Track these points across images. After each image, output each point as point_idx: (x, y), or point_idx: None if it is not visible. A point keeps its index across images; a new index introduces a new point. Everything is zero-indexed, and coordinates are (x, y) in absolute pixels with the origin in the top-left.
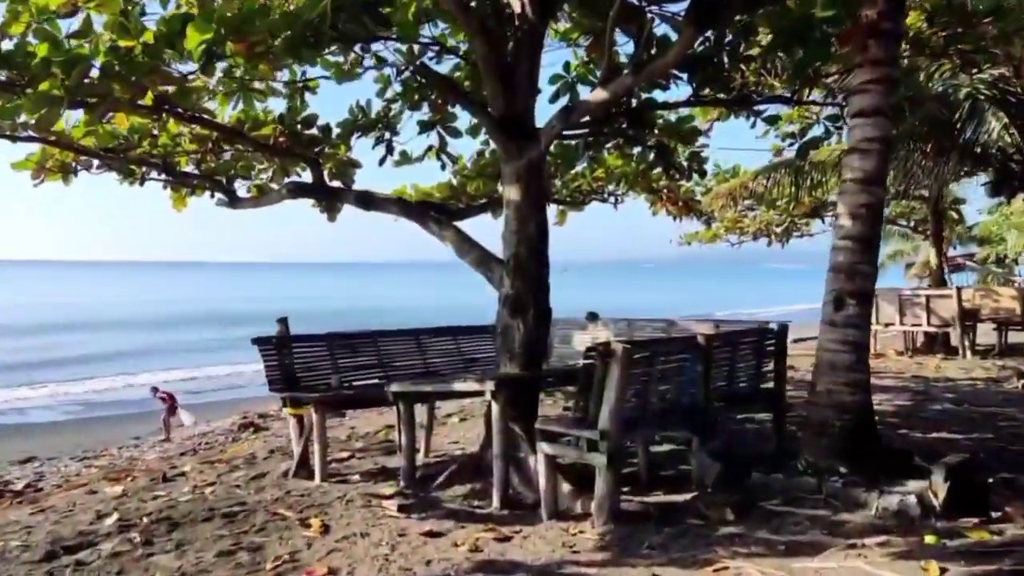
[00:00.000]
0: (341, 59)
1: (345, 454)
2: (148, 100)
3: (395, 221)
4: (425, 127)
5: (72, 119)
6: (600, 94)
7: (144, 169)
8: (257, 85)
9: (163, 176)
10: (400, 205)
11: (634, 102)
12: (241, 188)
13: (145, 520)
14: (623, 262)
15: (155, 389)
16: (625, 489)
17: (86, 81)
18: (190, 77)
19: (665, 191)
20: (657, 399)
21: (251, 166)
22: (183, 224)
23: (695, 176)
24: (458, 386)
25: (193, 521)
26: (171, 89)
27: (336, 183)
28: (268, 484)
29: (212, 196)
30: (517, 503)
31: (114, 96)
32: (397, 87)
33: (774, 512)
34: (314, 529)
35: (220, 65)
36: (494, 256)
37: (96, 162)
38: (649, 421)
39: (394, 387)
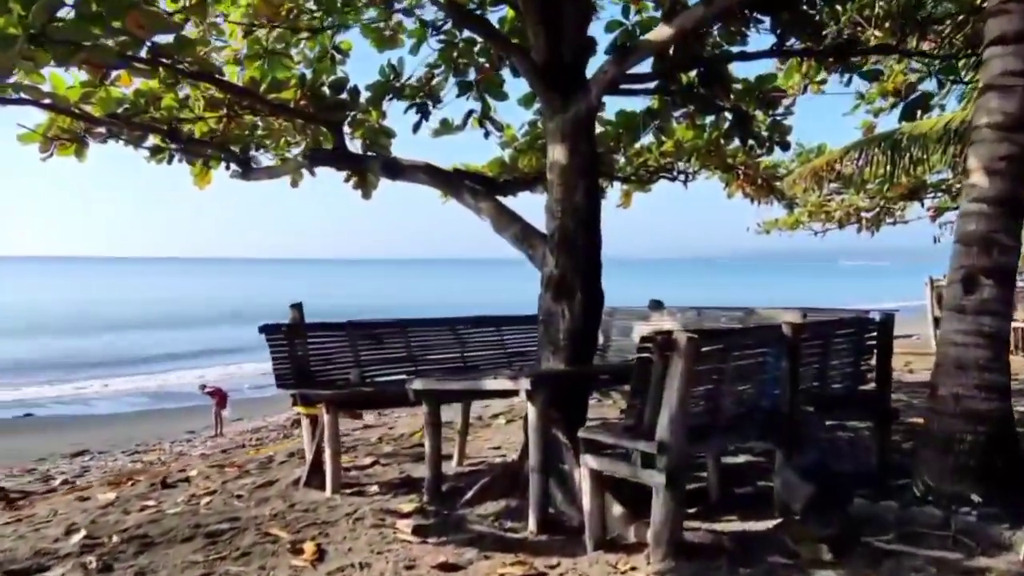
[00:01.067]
0: (381, 24)
1: (368, 460)
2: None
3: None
4: (465, 88)
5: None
6: (663, 31)
7: (170, 144)
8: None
9: (170, 144)
10: (430, 173)
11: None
12: (263, 160)
13: (115, 538)
14: (694, 258)
15: (203, 386)
16: (691, 510)
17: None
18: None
19: (742, 168)
20: (731, 402)
21: (280, 135)
22: (249, 220)
23: (776, 150)
24: (488, 384)
25: (170, 541)
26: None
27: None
28: (273, 495)
29: (228, 168)
30: (558, 526)
31: (95, 44)
32: (435, 44)
33: (884, 552)
34: (306, 556)
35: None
36: (538, 231)
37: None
38: (721, 430)
39: (416, 384)
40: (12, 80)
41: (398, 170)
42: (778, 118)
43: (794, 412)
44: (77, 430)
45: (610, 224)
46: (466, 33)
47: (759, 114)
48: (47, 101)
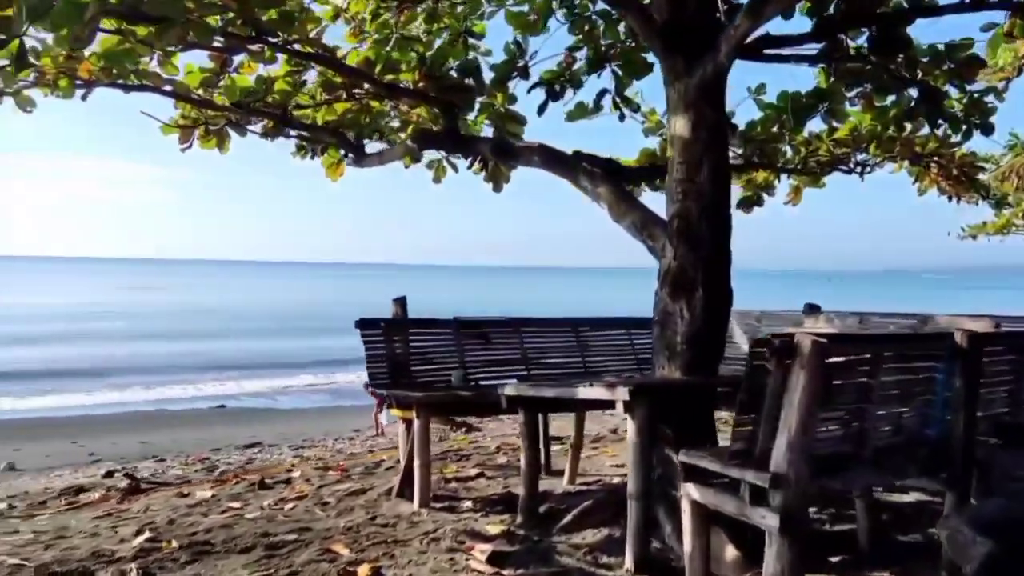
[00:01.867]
0: (524, 8)
1: (475, 471)
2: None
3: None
4: (595, 65)
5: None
6: None
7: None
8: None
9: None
10: (544, 155)
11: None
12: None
13: (175, 544)
14: (892, 270)
15: (367, 384)
16: (833, 559)
17: None
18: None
19: (934, 158)
20: (883, 428)
21: (412, 123)
22: (381, 223)
23: (976, 135)
24: (583, 392)
25: (228, 551)
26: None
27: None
28: (360, 504)
29: (346, 156)
30: (661, 565)
31: (190, 20)
32: (561, 18)
33: None
34: None
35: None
36: (660, 219)
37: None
38: (867, 462)
39: (508, 389)
40: (137, 67)
41: (511, 153)
42: (977, 93)
43: (971, 444)
44: (259, 423)
45: (775, 226)
46: (600, 5)
47: (952, 90)
48: (167, 88)
